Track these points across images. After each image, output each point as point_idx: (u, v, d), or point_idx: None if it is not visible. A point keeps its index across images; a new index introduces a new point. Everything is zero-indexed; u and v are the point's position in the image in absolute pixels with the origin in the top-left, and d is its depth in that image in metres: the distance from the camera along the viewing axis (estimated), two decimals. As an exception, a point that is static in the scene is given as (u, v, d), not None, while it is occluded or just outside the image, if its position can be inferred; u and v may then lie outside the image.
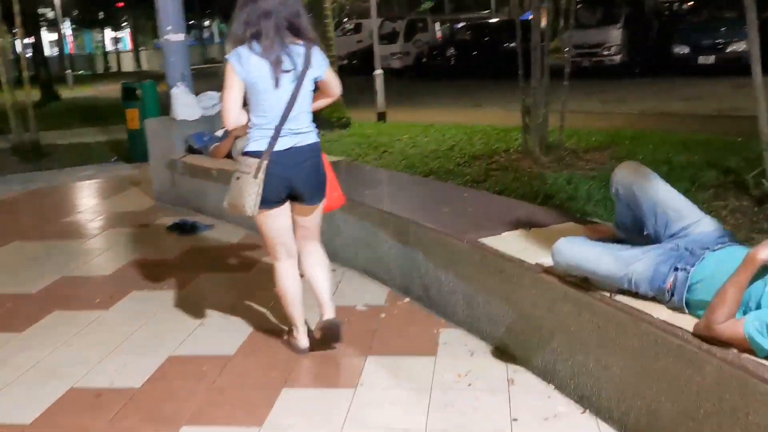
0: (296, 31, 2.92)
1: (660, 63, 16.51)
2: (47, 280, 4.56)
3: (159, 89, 8.50)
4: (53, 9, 29.80)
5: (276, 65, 2.86)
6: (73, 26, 45.78)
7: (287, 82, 2.89)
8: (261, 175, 2.88)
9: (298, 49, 2.91)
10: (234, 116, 2.93)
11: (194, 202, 6.01)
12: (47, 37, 38.37)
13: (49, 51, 38.64)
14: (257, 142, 2.94)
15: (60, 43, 34.80)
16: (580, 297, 2.55)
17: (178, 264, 4.82)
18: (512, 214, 3.64)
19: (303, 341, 3.29)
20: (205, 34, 51.12)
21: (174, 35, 6.24)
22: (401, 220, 3.77)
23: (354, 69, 23.57)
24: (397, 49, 23.17)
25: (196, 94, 6.40)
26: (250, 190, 2.88)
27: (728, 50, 15.18)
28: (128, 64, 45.29)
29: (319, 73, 2.99)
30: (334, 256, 4.43)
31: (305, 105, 2.99)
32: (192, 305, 4.00)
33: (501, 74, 19.52)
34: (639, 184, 2.48)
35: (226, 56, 2.91)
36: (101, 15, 42.66)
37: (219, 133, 5.93)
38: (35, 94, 20.35)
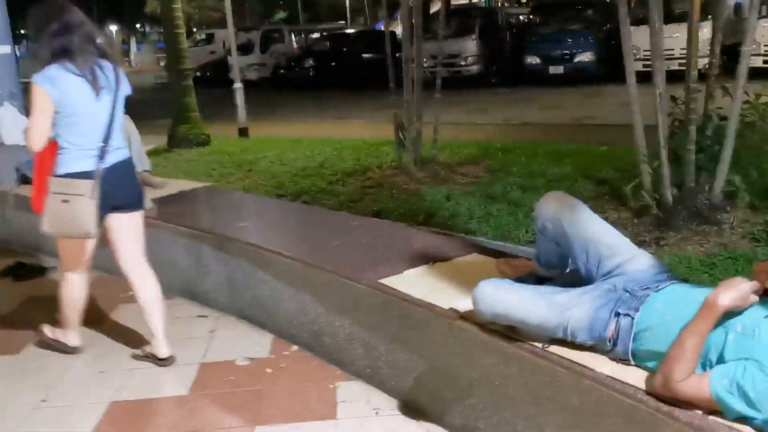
0: (99, 49, 2.94)
1: (514, 73, 17.06)
2: None
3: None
4: None
5: (93, 81, 2.86)
6: None
7: (105, 99, 2.92)
8: (96, 196, 2.88)
9: (107, 65, 2.95)
10: (45, 141, 2.86)
11: (31, 240, 5.17)
12: None
13: None
14: (81, 162, 2.89)
15: None
16: (505, 347, 2.22)
17: (13, 320, 4.03)
18: (409, 244, 3.29)
19: (75, 339, 3.37)
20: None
21: (2, 47, 5.36)
22: (284, 259, 3.30)
23: (207, 81, 22.63)
24: (253, 60, 22.49)
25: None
26: (88, 211, 2.86)
27: (576, 60, 15.93)
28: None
29: (128, 91, 3.08)
30: (204, 298, 3.90)
31: (120, 121, 3.05)
32: (33, 375, 3.30)
33: (360, 85, 19.59)
34: (568, 218, 2.19)
35: (33, 79, 2.77)
36: None
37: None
38: None
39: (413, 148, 7.03)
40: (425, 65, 18.12)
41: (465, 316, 2.34)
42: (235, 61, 10.50)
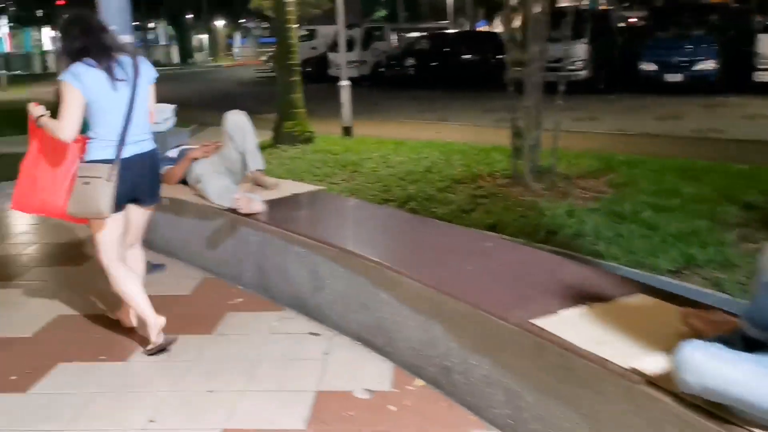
0: (117, 46, 3.21)
1: (624, 80, 16.17)
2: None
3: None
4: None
5: (111, 74, 3.06)
6: (11, 24, 43.49)
7: (123, 91, 3.11)
8: (114, 179, 3.08)
9: (126, 59, 3.16)
10: (76, 131, 3.06)
11: (159, 243, 5.08)
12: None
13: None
14: (102, 151, 3.12)
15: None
16: (711, 429, 1.78)
17: (118, 323, 3.88)
18: (557, 276, 2.88)
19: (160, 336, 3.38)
20: (149, 36, 49.37)
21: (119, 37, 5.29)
22: (412, 282, 2.96)
23: (307, 77, 22.72)
24: (354, 58, 22.38)
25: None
26: (104, 192, 3.07)
27: (695, 68, 14.92)
28: (68, 65, 43.14)
29: (152, 75, 3.28)
30: (316, 314, 3.62)
31: (142, 113, 3.21)
32: (144, 383, 3.11)
33: (460, 87, 19.17)
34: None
35: (61, 77, 3.05)
36: (40, 13, 40.64)
37: (171, 153, 5.01)
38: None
39: (530, 157, 6.58)
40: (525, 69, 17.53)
41: (653, 381, 1.92)
42: (343, 58, 10.31)
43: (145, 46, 44.93)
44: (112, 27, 5.40)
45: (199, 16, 49.07)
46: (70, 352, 3.43)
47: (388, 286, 3.11)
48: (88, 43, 3.09)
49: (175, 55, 49.68)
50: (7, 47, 45.76)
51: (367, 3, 38.67)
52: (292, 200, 4.46)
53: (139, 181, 3.23)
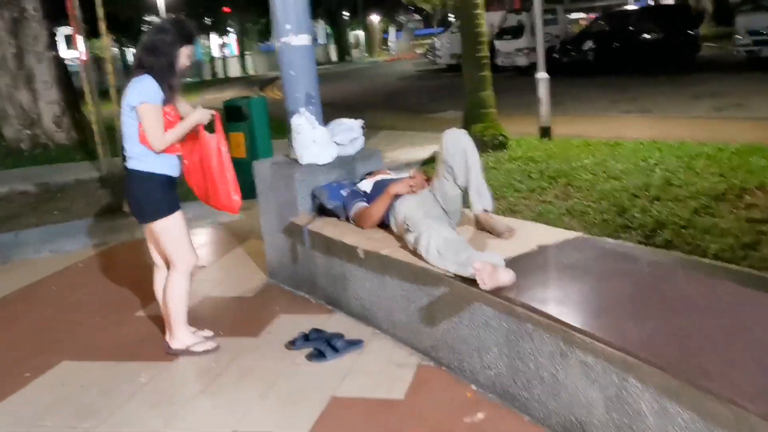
0: (136, 64, 3.25)
1: None
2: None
3: (271, 92, 6.55)
4: (159, 16, 29.10)
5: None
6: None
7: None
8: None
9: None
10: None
11: (327, 290, 3.96)
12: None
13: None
14: None
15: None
16: None
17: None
18: None
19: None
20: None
21: (296, 37, 4.20)
22: None
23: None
24: (523, 44, 20.67)
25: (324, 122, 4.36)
26: None
27: None
28: (234, 70, 44.80)
29: (131, 101, 3.17)
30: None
31: (127, 131, 3.23)
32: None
33: (648, 69, 16.85)
34: None
35: None
36: (208, 21, 42.34)
37: (364, 186, 3.83)
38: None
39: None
40: (741, 42, 14.93)
41: None
42: (540, 45, 8.74)
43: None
44: (288, 26, 4.37)
45: (355, 13, 49.11)
46: None
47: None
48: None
49: (333, 53, 50.09)
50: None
51: (528, -15, 36.43)
52: (544, 257, 3.09)
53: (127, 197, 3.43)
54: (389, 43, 55.15)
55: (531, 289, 2.70)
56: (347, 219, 3.81)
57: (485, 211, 3.36)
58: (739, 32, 14.93)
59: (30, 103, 10.90)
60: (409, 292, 3.24)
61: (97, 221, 6.59)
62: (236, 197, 3.47)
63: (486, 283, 2.62)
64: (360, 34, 53.82)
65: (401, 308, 3.32)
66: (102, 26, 7.79)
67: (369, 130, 10.85)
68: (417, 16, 58.06)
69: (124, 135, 3.24)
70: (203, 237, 5.91)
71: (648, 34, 18.73)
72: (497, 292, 2.67)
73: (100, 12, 7.58)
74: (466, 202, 3.45)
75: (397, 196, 3.50)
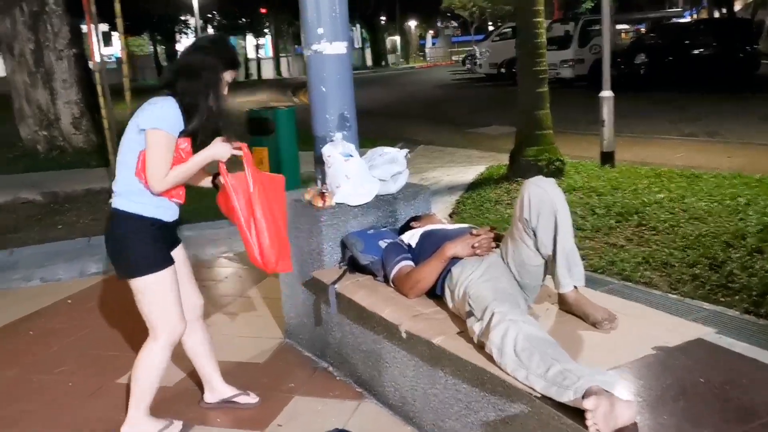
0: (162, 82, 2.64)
1: None
2: None
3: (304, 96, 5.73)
4: (193, 15, 28.65)
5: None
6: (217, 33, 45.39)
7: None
8: None
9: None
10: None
11: (357, 368, 3.10)
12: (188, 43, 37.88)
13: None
14: None
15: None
16: None
17: None
18: None
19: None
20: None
21: (330, 44, 3.36)
22: None
23: (512, 78, 20.54)
24: (569, 56, 19.65)
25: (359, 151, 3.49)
26: None
27: None
28: (268, 72, 44.29)
29: (136, 121, 2.50)
30: None
31: (123, 161, 2.54)
32: None
33: (704, 86, 15.73)
34: None
35: None
36: (244, 21, 41.93)
37: (409, 237, 2.96)
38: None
39: None
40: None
41: None
42: (607, 61, 7.75)
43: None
44: (321, 30, 3.53)
45: (392, 18, 48.33)
46: None
47: None
48: None
49: (368, 58, 49.39)
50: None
51: (572, -6, 35.37)
52: (671, 374, 2.18)
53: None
54: (426, 50, 54.30)
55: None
56: (385, 279, 2.95)
57: (573, 287, 2.48)
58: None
59: (48, 103, 10.28)
60: (469, 397, 2.36)
61: (101, 242, 5.83)
62: (271, 258, 2.64)
63: (601, 428, 1.74)
64: (396, 39, 53.06)
65: (456, 416, 2.45)
66: (119, 24, 7.07)
67: (405, 144, 10.03)
68: (454, 23, 57.19)
69: (119, 162, 2.54)
70: (213, 271, 5.10)
71: (704, 48, 17.60)
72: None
73: (118, 9, 6.85)
74: (548, 274, 2.57)
75: (454, 259, 2.64)
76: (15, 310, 4.46)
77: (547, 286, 2.67)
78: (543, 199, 2.41)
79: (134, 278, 2.56)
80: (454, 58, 45.31)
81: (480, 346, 2.28)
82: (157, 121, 2.46)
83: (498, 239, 2.68)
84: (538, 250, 2.48)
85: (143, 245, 2.55)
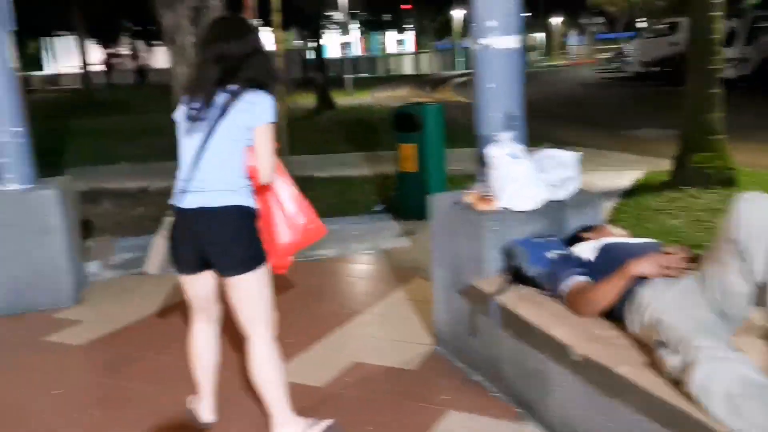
0: (232, 71, 2.47)
1: None
2: None
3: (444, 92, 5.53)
4: (341, 11, 29.35)
5: (188, 114, 2.51)
6: (362, 29, 46.29)
7: (197, 133, 2.48)
8: (166, 233, 2.57)
9: (224, 93, 2.46)
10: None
11: (516, 386, 2.88)
12: (340, 39, 38.93)
13: (340, 54, 39.32)
14: (175, 197, 2.53)
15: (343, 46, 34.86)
16: None
17: None
18: None
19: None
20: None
21: (501, 38, 3.15)
22: None
23: (665, 77, 19.34)
24: (733, 54, 18.10)
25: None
26: (156, 245, 2.61)
27: None
28: (408, 67, 44.62)
29: (244, 121, 2.44)
30: None
31: (215, 160, 2.46)
32: None
33: None
34: None
35: None
36: (388, 17, 42.48)
37: (582, 249, 2.69)
38: (311, 102, 19.23)
39: None
40: None
41: None
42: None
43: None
44: (492, 23, 3.33)
45: (535, 14, 47.16)
46: None
47: None
48: (191, 73, 2.79)
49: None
50: (358, 51, 48.92)
51: (735, -11, 32.76)
52: None
53: (201, 239, 2.49)
54: (569, 47, 52.56)
55: None
56: (553, 294, 2.70)
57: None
58: None
59: (203, 95, 10.77)
60: (656, 436, 2.08)
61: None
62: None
63: None
64: (539, 36, 51.76)
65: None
66: (276, 18, 7.21)
67: (553, 145, 9.61)
68: (600, 20, 54.91)
69: (218, 163, 2.46)
70: (358, 268, 5.05)
71: None
72: None
73: (277, 2, 6.99)
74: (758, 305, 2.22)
75: (638, 279, 2.35)
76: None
77: (753, 321, 2.31)
78: (759, 218, 2.07)
79: (256, 270, 2.53)
80: (598, 56, 43.57)
81: (674, 383, 1.99)
82: (274, 115, 2.49)
83: (693, 260, 2.36)
84: (746, 276, 2.14)
85: (259, 236, 2.58)
